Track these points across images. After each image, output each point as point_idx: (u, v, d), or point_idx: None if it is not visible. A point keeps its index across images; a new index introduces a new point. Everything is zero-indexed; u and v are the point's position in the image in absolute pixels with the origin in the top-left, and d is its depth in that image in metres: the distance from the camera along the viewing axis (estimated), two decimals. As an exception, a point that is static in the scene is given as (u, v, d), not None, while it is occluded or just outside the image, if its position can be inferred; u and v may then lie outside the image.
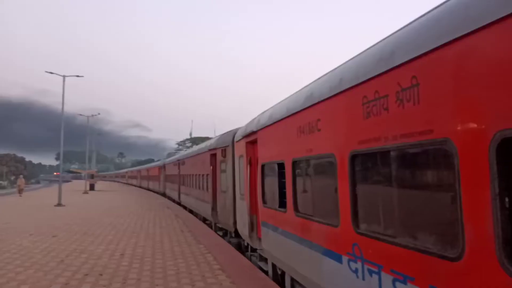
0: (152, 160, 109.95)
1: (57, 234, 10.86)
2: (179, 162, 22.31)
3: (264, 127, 6.80)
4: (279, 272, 6.30)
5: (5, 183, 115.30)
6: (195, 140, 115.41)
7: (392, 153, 3.16)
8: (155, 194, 33.98)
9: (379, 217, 3.47)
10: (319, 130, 4.50)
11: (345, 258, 3.80)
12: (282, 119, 5.81)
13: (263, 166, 6.97)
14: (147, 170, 44.65)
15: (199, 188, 15.65)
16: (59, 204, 21.25)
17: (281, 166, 5.82)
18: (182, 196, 21.67)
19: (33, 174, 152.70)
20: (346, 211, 3.75)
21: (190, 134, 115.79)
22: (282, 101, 6.30)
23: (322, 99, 4.39)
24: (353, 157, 3.67)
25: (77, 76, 25.16)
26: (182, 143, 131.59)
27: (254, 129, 7.51)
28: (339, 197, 3.91)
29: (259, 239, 7.63)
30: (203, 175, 14.97)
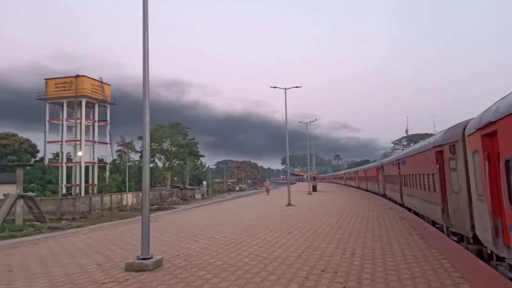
0: (367, 161, 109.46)
1: (291, 231, 12.03)
2: (399, 162, 21.49)
3: (507, 115, 5.84)
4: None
5: (244, 185, 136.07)
6: (412, 138, 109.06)
7: None
8: (375, 195, 33.62)
9: None
10: None
11: None
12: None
13: (507, 162, 6.00)
14: (365, 171, 44.70)
15: (424, 188, 14.66)
16: (289, 204, 23.53)
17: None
18: (404, 197, 20.76)
19: (264, 178, 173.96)
20: None
21: (406, 131, 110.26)
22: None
23: None
24: None
25: (296, 87, 27.40)
26: (398, 142, 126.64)
27: (493, 119, 6.55)
28: None
29: (507, 246, 6.58)
30: (428, 174, 13.97)
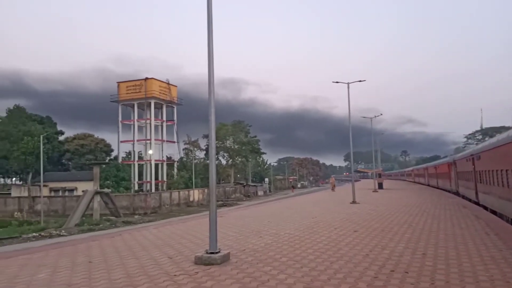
0: (437, 157, 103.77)
1: (357, 230, 11.75)
2: (474, 157, 20.13)
3: None
4: None
5: (305, 182, 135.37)
6: (487, 131, 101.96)
7: None
8: (446, 193, 31.80)
9: None
10: None
11: None
12: None
13: None
14: (435, 167, 42.43)
15: (503, 185, 13.62)
16: (353, 202, 23.01)
17: None
18: (480, 195, 19.43)
19: (326, 175, 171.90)
20: None
21: (481, 125, 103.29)
22: None
23: None
24: None
25: (360, 81, 26.65)
26: (471, 136, 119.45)
27: None
28: None
29: None
30: (506, 170, 12.96)
